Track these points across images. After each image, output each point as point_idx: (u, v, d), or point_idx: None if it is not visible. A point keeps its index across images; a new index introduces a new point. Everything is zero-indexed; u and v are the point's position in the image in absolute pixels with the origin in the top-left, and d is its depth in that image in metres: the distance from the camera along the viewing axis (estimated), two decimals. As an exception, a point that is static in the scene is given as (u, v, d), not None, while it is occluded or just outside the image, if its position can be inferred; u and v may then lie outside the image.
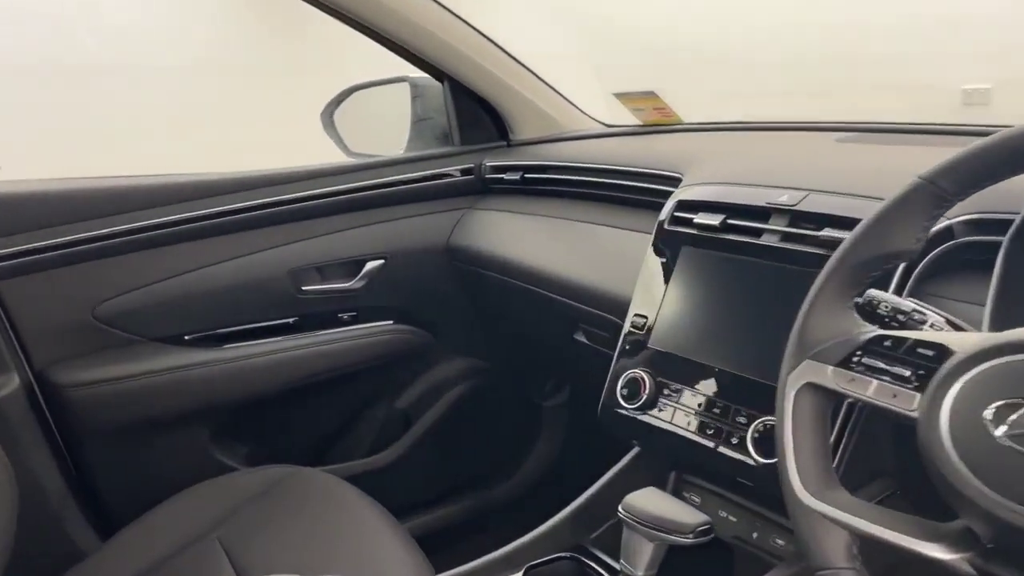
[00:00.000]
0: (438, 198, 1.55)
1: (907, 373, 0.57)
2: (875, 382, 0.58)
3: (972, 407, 0.50)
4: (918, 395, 0.55)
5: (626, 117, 1.62)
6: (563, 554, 0.99)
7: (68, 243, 1.28)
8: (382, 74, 1.69)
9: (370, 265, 1.50)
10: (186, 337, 1.40)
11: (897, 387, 0.57)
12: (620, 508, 0.84)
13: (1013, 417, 0.48)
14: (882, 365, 0.58)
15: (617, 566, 0.98)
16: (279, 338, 1.46)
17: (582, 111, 1.66)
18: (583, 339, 1.31)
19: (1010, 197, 0.72)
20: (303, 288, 1.47)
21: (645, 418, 0.97)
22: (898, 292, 0.80)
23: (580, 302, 1.25)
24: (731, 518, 0.98)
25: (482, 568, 0.96)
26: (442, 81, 1.55)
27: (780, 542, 0.94)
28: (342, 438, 1.59)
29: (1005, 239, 0.72)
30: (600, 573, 0.98)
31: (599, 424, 1.04)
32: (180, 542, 1.14)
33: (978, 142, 0.58)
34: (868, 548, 0.57)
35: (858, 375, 0.59)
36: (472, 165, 1.56)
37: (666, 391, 0.96)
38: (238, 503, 1.20)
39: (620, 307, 1.13)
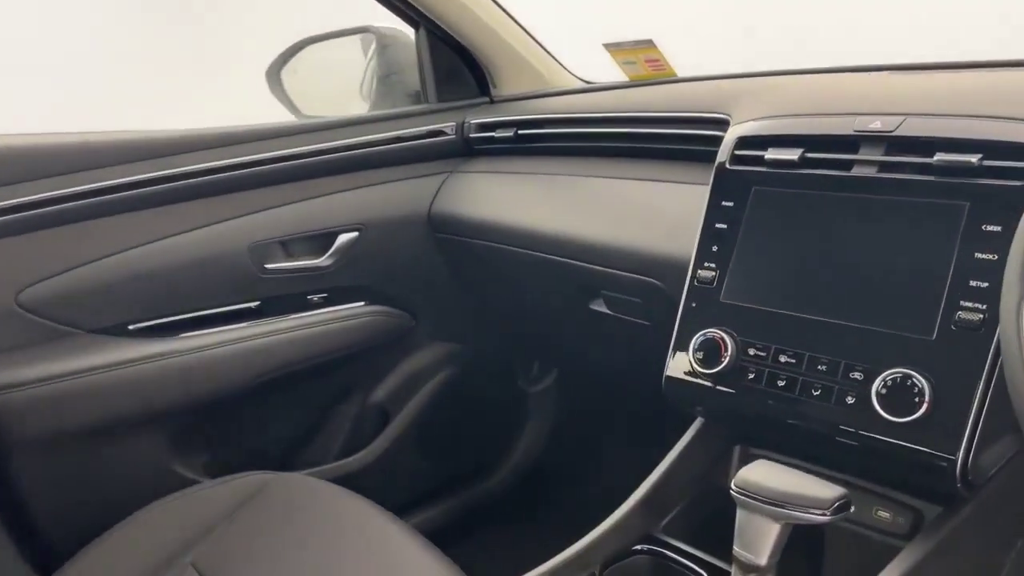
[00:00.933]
0: (417, 161, 1.37)
1: None
2: None
3: None
4: None
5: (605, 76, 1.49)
6: (639, 546, 0.85)
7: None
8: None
9: (342, 238, 1.31)
10: (131, 327, 1.17)
11: None
12: (734, 486, 0.71)
13: None
14: None
15: (698, 553, 0.86)
16: (239, 325, 1.26)
17: (562, 65, 1.52)
18: (603, 308, 1.17)
19: None
20: (266, 267, 1.27)
21: (724, 385, 0.84)
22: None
23: (604, 265, 1.11)
24: (819, 492, 0.86)
25: (551, 571, 0.81)
26: (417, 28, 1.37)
27: (884, 514, 0.84)
28: (316, 437, 1.39)
29: None
30: (683, 564, 0.84)
31: (663, 396, 0.90)
32: (142, 571, 0.93)
33: None
34: None
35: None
36: (454, 123, 1.39)
37: (751, 351, 0.83)
38: (213, 519, 1.00)
39: (663, 266, 1.01)
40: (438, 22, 1.32)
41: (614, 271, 1.10)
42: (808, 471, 0.89)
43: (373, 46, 1.49)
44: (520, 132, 1.31)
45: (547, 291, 1.28)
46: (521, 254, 1.24)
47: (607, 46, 1.42)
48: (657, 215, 1.06)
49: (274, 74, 1.53)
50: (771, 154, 0.87)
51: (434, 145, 1.38)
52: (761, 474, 0.71)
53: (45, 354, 1.09)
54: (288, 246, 1.29)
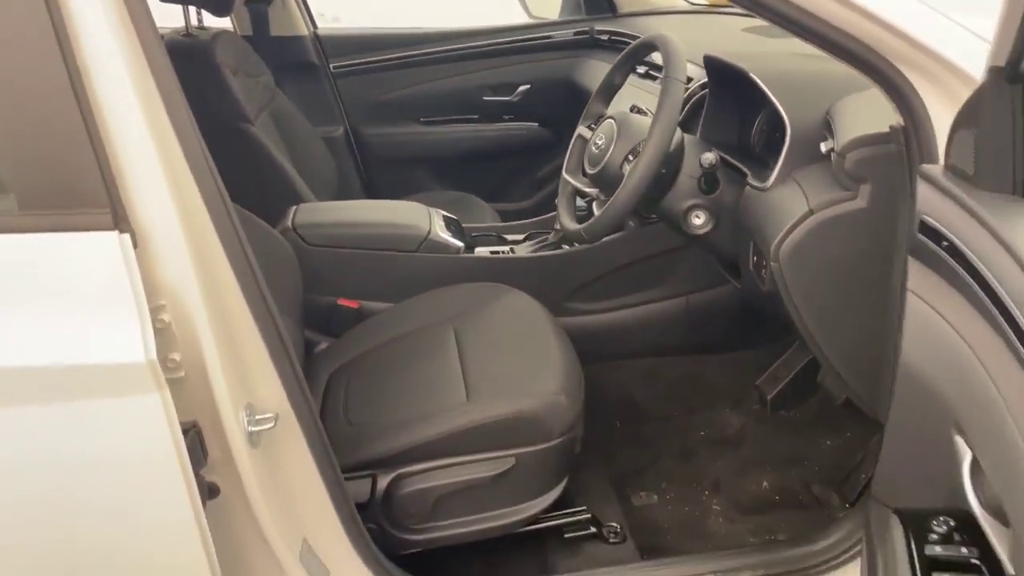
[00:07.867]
0: (555, 50, 2.53)
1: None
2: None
3: None
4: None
5: None
6: None
7: (375, 60, 2.50)
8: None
9: (520, 88, 2.56)
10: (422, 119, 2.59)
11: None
12: None
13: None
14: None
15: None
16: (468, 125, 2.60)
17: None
18: None
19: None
20: (484, 99, 2.57)
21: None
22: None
23: None
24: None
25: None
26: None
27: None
28: None
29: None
30: None
31: None
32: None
33: None
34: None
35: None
36: (587, 28, 2.51)
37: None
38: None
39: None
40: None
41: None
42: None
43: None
44: (613, 39, 2.39)
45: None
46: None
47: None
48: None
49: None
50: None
51: (572, 40, 2.51)
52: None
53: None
54: (496, 88, 2.57)
